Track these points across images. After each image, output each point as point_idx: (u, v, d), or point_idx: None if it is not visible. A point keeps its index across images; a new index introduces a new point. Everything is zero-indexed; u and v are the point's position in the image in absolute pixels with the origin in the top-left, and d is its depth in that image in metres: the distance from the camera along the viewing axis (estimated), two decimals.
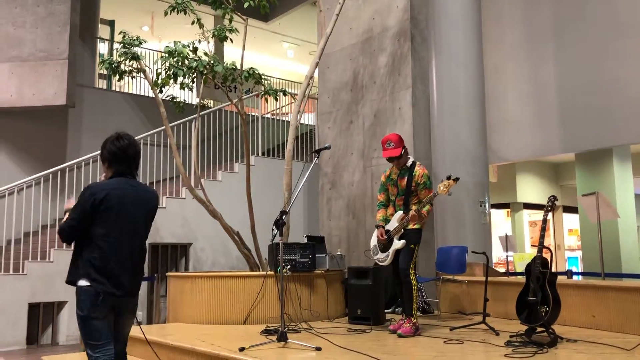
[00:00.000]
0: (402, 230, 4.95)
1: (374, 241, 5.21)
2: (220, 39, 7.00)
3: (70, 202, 3.18)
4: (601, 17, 7.43)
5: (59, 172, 7.69)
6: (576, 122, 7.58)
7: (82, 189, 3.18)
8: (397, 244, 4.94)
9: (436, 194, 4.88)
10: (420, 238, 5.02)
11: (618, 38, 7.23)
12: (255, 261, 7.01)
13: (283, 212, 4.77)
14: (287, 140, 7.23)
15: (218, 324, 5.85)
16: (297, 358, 4.08)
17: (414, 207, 4.91)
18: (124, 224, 3.08)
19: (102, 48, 12.16)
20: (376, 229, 5.15)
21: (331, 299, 6.27)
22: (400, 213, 4.99)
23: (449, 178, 4.77)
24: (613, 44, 7.26)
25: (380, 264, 5.14)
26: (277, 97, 7.34)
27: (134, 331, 5.41)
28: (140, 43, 7.11)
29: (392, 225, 5.02)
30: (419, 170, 5.02)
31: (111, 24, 12.80)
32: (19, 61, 8.69)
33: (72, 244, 3.11)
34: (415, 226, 4.97)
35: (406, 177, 5.03)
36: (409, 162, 5.12)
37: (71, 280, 3.06)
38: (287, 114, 11.98)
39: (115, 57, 7.16)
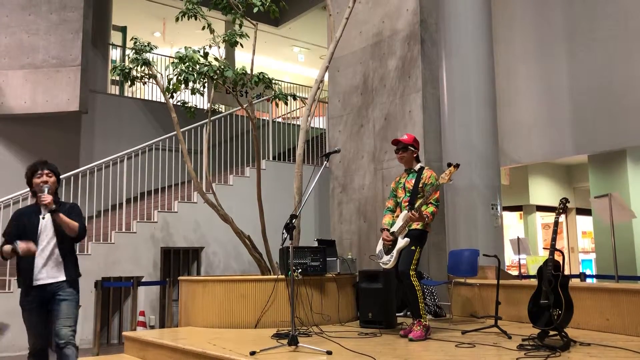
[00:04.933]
0: (406, 230, 4.94)
1: (379, 246, 5.20)
2: (230, 44, 7.04)
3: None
4: (613, 18, 7.38)
5: (72, 178, 7.77)
6: (588, 123, 7.52)
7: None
8: (401, 242, 4.92)
9: (439, 185, 4.85)
10: (424, 240, 4.99)
11: (630, 39, 7.17)
12: (267, 265, 7.03)
13: (293, 216, 4.78)
14: (297, 144, 7.25)
15: (229, 328, 5.87)
16: None
17: (417, 203, 4.88)
18: None
19: (115, 54, 12.29)
20: (382, 233, 5.15)
21: (342, 302, 6.26)
22: (405, 212, 4.97)
23: (449, 165, 4.77)
24: (625, 45, 7.21)
25: (384, 267, 5.11)
26: (287, 102, 7.36)
27: (148, 335, 5.46)
28: (152, 49, 7.18)
29: (397, 225, 5.01)
30: (427, 172, 5.05)
31: (123, 30, 12.94)
32: (33, 68, 8.81)
33: (68, 246, 3.95)
34: (419, 226, 4.94)
35: (414, 179, 5.06)
36: (417, 166, 5.14)
37: (77, 276, 3.98)
38: (297, 118, 12.02)
39: (127, 63, 7.23)
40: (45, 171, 3.92)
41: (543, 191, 12.57)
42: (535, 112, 8.19)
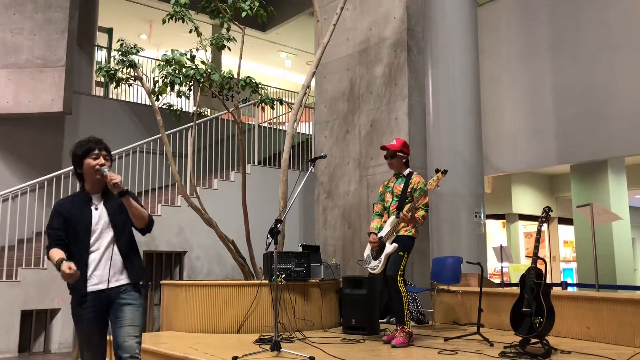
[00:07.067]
0: (394, 235, 4.95)
1: (367, 251, 5.20)
2: (217, 47, 7.03)
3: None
4: (596, 30, 7.49)
5: (54, 179, 7.68)
6: (571, 133, 7.62)
7: None
8: (389, 248, 4.92)
9: (427, 190, 4.87)
10: (412, 247, 5.00)
11: (613, 51, 7.28)
12: (250, 270, 6.99)
13: (278, 221, 4.77)
14: (283, 149, 7.24)
15: (212, 333, 5.83)
16: None
17: (406, 208, 4.90)
18: None
19: (100, 56, 12.19)
20: (369, 237, 5.16)
21: (325, 308, 6.25)
22: (393, 218, 4.98)
23: (437, 171, 4.79)
24: (608, 56, 7.32)
25: (372, 272, 5.11)
26: (274, 106, 7.36)
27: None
28: (138, 51, 7.14)
29: (385, 230, 5.01)
30: (416, 177, 5.07)
31: (109, 31, 12.85)
32: (16, 68, 8.69)
33: (130, 240, 3.18)
34: (407, 232, 4.95)
35: (402, 184, 5.07)
36: (406, 172, 5.15)
37: (143, 276, 3.24)
38: (283, 123, 12.01)
39: (112, 64, 7.17)
40: (103, 152, 3.15)
41: (526, 200, 12.69)
42: (519, 122, 8.27)
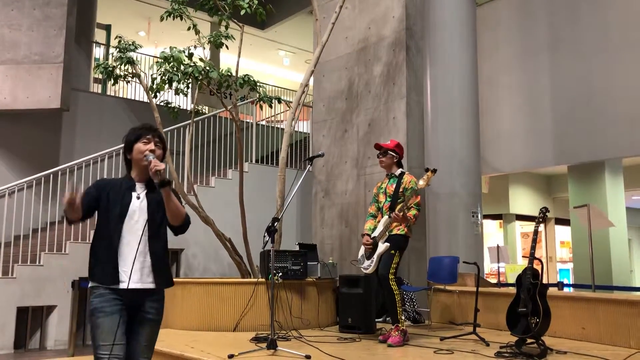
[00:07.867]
0: (387, 235, 4.96)
1: (361, 251, 5.22)
2: (216, 45, 7.02)
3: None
4: (594, 31, 7.50)
5: (52, 176, 7.66)
6: (569, 134, 7.63)
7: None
8: (381, 247, 4.94)
9: (418, 189, 4.89)
10: (404, 245, 5.02)
11: (611, 52, 7.29)
12: (247, 268, 6.99)
13: (275, 219, 4.77)
14: (281, 148, 7.24)
15: (208, 331, 5.83)
16: None
17: (397, 207, 4.91)
18: None
19: (98, 52, 12.16)
20: (363, 239, 5.18)
21: (322, 307, 6.25)
22: (385, 217, 5.00)
23: (427, 170, 4.83)
24: (606, 57, 7.33)
25: (365, 271, 5.13)
26: (272, 105, 7.35)
27: None
28: (136, 48, 7.12)
29: (378, 230, 5.03)
30: (407, 177, 5.12)
31: (107, 28, 12.83)
32: (14, 64, 8.67)
33: (162, 240, 2.95)
34: (400, 231, 4.97)
35: (395, 184, 5.10)
36: (398, 172, 5.19)
37: (170, 283, 2.99)
38: (281, 121, 12.00)
39: (110, 61, 7.16)
40: (156, 139, 2.98)
41: (523, 200, 12.71)
42: (516, 122, 8.28)
